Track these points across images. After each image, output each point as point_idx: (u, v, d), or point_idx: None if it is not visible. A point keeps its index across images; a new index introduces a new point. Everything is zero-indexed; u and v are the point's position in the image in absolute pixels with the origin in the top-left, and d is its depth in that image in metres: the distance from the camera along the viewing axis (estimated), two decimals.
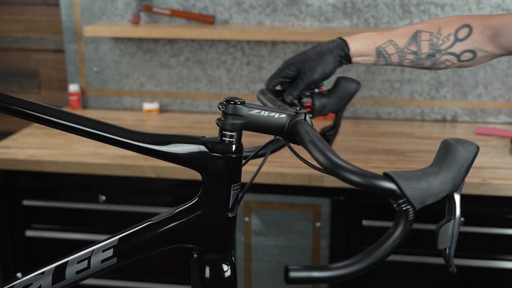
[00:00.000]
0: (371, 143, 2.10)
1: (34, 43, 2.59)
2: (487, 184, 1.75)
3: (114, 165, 1.92)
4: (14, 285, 0.89)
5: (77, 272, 0.88)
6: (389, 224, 1.81)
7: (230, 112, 0.84)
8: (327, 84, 1.14)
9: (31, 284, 0.88)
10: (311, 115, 0.87)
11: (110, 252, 0.88)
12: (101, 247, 0.89)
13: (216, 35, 2.22)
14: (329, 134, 1.15)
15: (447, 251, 0.72)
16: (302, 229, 1.90)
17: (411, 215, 0.68)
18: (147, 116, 2.44)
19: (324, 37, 2.10)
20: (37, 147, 2.07)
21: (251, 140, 1.10)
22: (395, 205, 0.68)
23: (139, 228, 0.89)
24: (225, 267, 0.90)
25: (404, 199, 0.67)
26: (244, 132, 0.86)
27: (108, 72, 2.49)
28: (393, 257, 1.85)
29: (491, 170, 1.84)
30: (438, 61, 1.14)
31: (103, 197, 1.98)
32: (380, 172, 0.69)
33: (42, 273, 0.88)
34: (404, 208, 0.68)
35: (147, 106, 2.45)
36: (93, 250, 0.88)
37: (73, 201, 2.02)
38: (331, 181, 1.80)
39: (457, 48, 1.12)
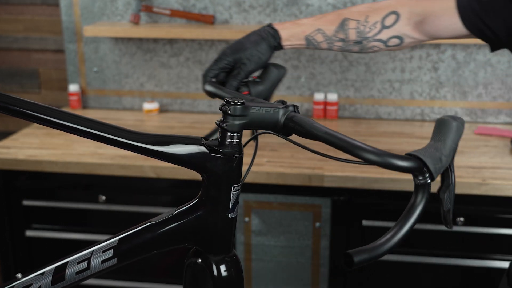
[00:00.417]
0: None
1: (34, 43, 2.59)
2: (487, 184, 1.75)
3: (114, 165, 1.92)
4: (14, 285, 0.89)
5: (77, 273, 0.88)
6: (389, 224, 1.81)
7: (237, 113, 0.84)
8: None
9: (31, 284, 0.88)
10: (297, 106, 0.90)
11: (110, 253, 0.88)
12: (101, 247, 0.89)
13: (216, 35, 2.22)
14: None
15: (450, 212, 0.79)
16: (302, 229, 1.90)
17: (430, 187, 0.76)
18: (147, 116, 2.44)
19: None
20: (37, 147, 2.07)
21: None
22: (416, 181, 0.75)
23: (139, 229, 0.89)
24: (225, 267, 0.90)
25: (427, 174, 0.74)
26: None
27: (108, 72, 2.49)
28: (392, 257, 1.86)
29: (491, 170, 1.84)
30: (366, 47, 1.19)
31: (103, 197, 1.98)
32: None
33: (42, 273, 0.89)
34: (426, 182, 0.75)
35: (147, 106, 2.45)
36: (93, 250, 0.88)
37: (73, 201, 2.02)
38: (331, 181, 1.80)
39: (384, 34, 1.16)
